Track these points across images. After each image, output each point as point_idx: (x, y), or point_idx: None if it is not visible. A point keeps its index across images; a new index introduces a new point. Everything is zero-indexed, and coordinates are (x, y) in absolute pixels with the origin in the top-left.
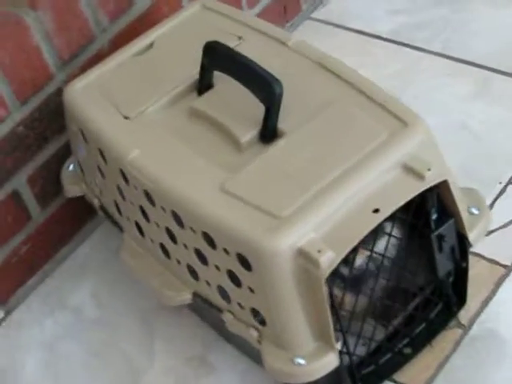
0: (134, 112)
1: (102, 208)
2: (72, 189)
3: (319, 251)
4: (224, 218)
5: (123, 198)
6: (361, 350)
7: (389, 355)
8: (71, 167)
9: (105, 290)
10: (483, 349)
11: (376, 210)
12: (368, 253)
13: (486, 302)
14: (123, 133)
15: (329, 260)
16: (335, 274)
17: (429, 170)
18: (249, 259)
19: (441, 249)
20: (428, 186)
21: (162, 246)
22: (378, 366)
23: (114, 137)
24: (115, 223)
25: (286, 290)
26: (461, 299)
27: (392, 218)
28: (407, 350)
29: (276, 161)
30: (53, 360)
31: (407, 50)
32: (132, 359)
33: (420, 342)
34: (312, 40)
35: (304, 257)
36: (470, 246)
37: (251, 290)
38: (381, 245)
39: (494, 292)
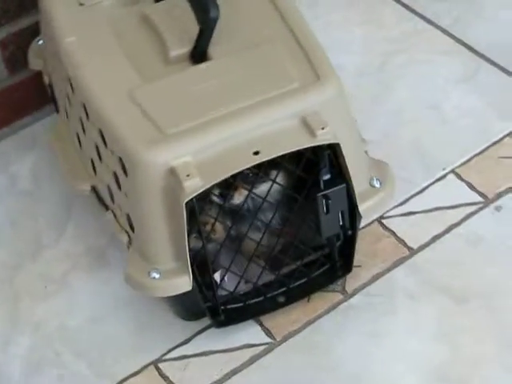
0: (89, 1)
1: (50, 86)
2: (35, 62)
3: (188, 175)
4: (115, 121)
5: (57, 78)
6: (232, 286)
7: (260, 298)
8: (41, 42)
9: (44, 168)
10: (354, 320)
11: (256, 153)
12: (247, 193)
13: (376, 277)
14: (70, 18)
15: (193, 186)
16: (209, 203)
17: (322, 128)
18: (126, 165)
19: (327, 210)
20: (316, 144)
21: (77, 135)
22: (246, 305)
23: (62, 21)
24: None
25: (153, 204)
26: (347, 265)
27: (279, 166)
28: (281, 299)
29: (189, 81)
30: None
31: (416, 18)
32: (41, 235)
33: (295, 295)
34: None
35: (174, 177)
36: (360, 216)
37: (126, 196)
38: (262, 188)
39: (388, 270)
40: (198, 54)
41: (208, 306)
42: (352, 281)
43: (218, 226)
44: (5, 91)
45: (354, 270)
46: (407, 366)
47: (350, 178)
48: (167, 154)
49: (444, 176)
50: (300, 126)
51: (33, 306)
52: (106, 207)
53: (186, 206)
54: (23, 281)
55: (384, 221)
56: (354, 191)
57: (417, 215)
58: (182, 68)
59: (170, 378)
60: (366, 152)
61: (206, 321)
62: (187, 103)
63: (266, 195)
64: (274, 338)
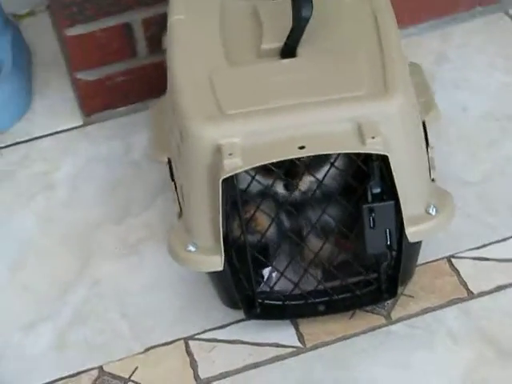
0: None
1: None
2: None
3: (230, 154)
4: (183, 95)
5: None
6: (280, 286)
7: (301, 301)
8: None
9: None
10: (389, 346)
11: (302, 147)
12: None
13: (425, 311)
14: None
15: (233, 164)
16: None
17: (373, 137)
18: (182, 139)
19: (373, 225)
20: (363, 151)
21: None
22: (284, 304)
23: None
24: None
25: (199, 179)
26: (392, 289)
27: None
28: (321, 307)
29: (266, 72)
30: None
31: None
32: (132, 203)
33: (336, 307)
34: None
35: (218, 154)
36: (407, 239)
37: (181, 167)
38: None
39: (440, 307)
40: (287, 51)
41: (245, 296)
42: (400, 309)
43: (263, 219)
44: (144, 68)
45: (404, 299)
46: None
47: (399, 197)
48: (217, 131)
49: None
50: (354, 132)
51: (100, 263)
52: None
53: (223, 185)
54: (101, 239)
55: (453, 260)
56: (402, 211)
57: (489, 262)
58: (268, 61)
59: (195, 355)
60: (432, 180)
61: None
62: (256, 91)
63: (323, 178)
64: (304, 344)
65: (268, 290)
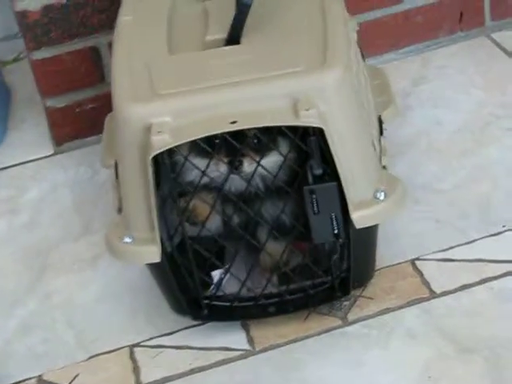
0: None
1: None
2: None
3: (159, 132)
4: (120, 79)
5: None
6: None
7: (250, 303)
8: None
9: None
10: (343, 347)
11: (233, 122)
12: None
13: (384, 312)
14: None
15: (161, 141)
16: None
17: (307, 110)
18: (115, 117)
19: (317, 210)
20: (296, 124)
21: None
22: (233, 306)
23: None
24: None
25: (131, 162)
26: (345, 286)
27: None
28: (271, 309)
29: (205, 58)
30: None
31: None
32: (94, 221)
33: (287, 308)
34: None
35: (149, 134)
36: (354, 226)
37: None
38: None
39: (400, 307)
40: (231, 40)
41: (192, 298)
42: (357, 310)
43: (204, 209)
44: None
45: (363, 301)
46: None
47: (341, 178)
48: (147, 110)
49: (501, 232)
50: (288, 107)
51: (54, 278)
52: None
53: (157, 168)
54: (57, 256)
55: (418, 262)
56: (346, 193)
57: (455, 263)
58: (211, 49)
59: (139, 362)
60: (384, 167)
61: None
62: (192, 73)
63: (278, 171)
64: (254, 347)
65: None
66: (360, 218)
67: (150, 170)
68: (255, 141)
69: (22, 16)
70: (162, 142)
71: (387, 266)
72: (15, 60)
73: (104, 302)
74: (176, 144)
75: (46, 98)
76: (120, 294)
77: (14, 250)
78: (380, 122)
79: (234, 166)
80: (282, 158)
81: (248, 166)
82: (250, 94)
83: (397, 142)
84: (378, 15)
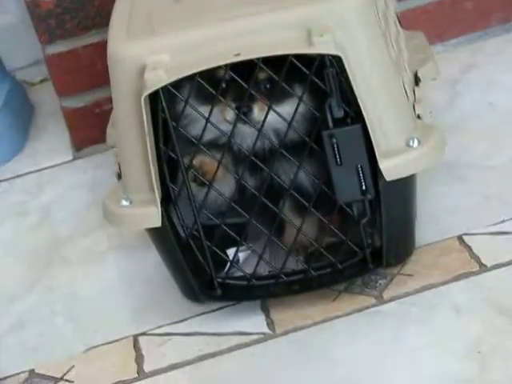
0: None
1: None
2: None
3: (154, 69)
4: (119, 19)
5: None
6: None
7: (271, 281)
8: None
9: None
10: (377, 325)
11: (238, 55)
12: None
13: (425, 288)
14: None
15: (155, 78)
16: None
17: (321, 35)
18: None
19: (339, 161)
20: (310, 52)
21: None
22: (250, 285)
23: None
24: None
25: (126, 106)
26: (377, 255)
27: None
28: (295, 286)
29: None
30: None
31: None
32: None
33: (313, 285)
34: None
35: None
36: (382, 178)
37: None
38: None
39: (444, 283)
40: None
41: (203, 276)
42: (394, 288)
43: (212, 165)
44: None
45: (401, 278)
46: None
47: (365, 119)
48: (142, 48)
49: None
50: (300, 35)
51: (59, 273)
52: None
53: (155, 114)
54: (64, 252)
55: (465, 237)
56: (373, 138)
57: (507, 236)
58: None
59: (143, 350)
60: (418, 116)
61: (215, 305)
62: (194, 11)
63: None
64: (274, 331)
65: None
66: (391, 167)
67: (145, 113)
68: (267, 85)
69: (34, 6)
70: (156, 78)
71: (429, 244)
72: (42, 81)
73: (110, 294)
74: (172, 80)
75: (63, 97)
76: (128, 286)
77: (20, 249)
78: (416, 78)
79: (243, 112)
80: (301, 110)
81: (259, 113)
82: (257, 24)
83: (445, 123)
84: (422, 2)
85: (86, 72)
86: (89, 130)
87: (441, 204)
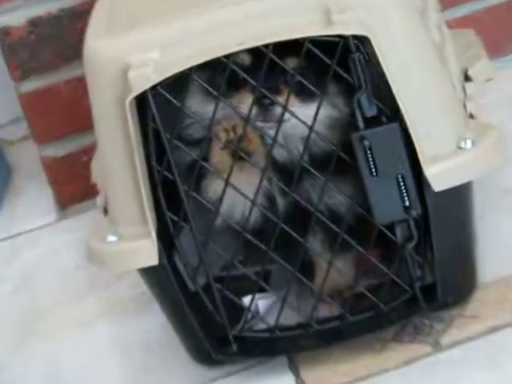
0: None
1: None
2: None
3: (140, 67)
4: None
5: None
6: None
7: (299, 331)
8: None
9: None
10: (432, 379)
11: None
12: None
13: (493, 329)
14: None
15: (141, 77)
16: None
17: (342, 13)
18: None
19: (375, 170)
20: (327, 33)
21: None
22: (274, 337)
23: None
24: None
25: (108, 121)
26: (430, 292)
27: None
28: (328, 338)
29: None
30: None
31: None
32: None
33: (352, 333)
34: None
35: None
36: (430, 188)
37: None
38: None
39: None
40: None
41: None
42: (454, 332)
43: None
44: None
45: (463, 320)
46: None
47: (404, 117)
48: (126, 45)
49: None
50: (319, 17)
51: (40, 345)
52: None
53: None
54: (50, 321)
55: None
56: (415, 139)
57: None
58: None
59: None
60: (471, 115)
61: (231, 368)
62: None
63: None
64: None
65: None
66: (439, 174)
67: (131, 122)
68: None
69: (3, 34)
70: (142, 78)
71: (494, 278)
72: (21, 139)
73: (100, 365)
74: (162, 78)
75: (42, 145)
76: (122, 355)
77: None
78: (466, 77)
79: (261, 103)
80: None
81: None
82: (263, 8)
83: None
84: (471, 9)
85: (70, 112)
86: (75, 184)
87: (507, 231)
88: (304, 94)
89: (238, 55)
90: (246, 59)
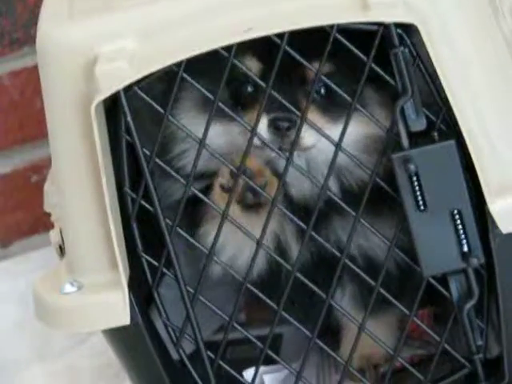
0: None
1: None
2: None
3: (111, 60)
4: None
5: None
6: None
7: None
8: None
9: None
10: None
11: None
12: None
13: None
14: None
15: (112, 73)
16: None
17: None
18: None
19: (423, 203)
20: (364, 20)
21: None
22: None
23: None
24: None
25: (68, 128)
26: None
27: None
28: None
29: None
30: None
31: None
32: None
33: None
34: None
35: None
36: (497, 230)
37: None
38: None
39: None
40: None
41: None
42: None
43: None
44: None
45: None
46: None
47: (463, 133)
48: (92, 31)
49: None
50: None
51: None
52: None
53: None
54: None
55: None
56: (477, 164)
57: None
58: None
59: None
60: None
61: None
62: None
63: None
64: None
65: None
66: (509, 210)
67: (98, 134)
68: (322, 90)
69: None
70: (114, 74)
71: None
72: None
73: None
74: (141, 76)
75: None
76: None
77: None
78: None
79: (277, 126)
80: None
81: (307, 135)
82: None
83: None
84: None
85: (16, 115)
86: (21, 212)
87: None
88: (332, 110)
89: (243, 61)
90: (254, 67)
